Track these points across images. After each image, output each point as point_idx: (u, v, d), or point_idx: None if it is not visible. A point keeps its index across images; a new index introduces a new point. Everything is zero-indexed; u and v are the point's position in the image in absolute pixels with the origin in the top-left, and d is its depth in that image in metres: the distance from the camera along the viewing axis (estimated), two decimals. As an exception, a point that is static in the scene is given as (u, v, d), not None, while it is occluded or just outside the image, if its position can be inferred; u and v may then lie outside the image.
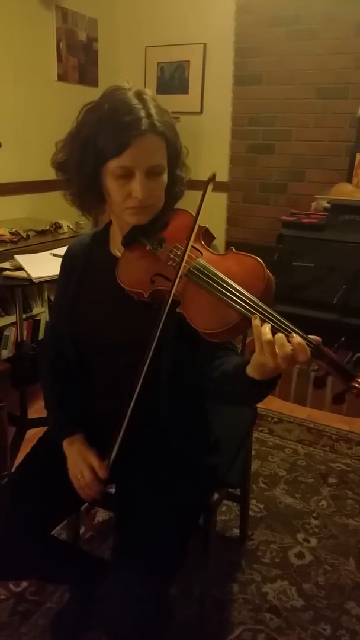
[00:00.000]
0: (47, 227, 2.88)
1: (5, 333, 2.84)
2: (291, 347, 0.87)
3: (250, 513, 1.89)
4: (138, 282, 1.07)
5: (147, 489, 1.16)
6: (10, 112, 3.00)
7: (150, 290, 1.05)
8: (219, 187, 3.54)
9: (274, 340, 0.88)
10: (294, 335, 0.89)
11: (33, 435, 2.19)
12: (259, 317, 0.90)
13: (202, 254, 1.05)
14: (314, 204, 3.06)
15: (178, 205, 1.17)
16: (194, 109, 3.64)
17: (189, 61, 3.59)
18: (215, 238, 1.12)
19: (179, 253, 1.04)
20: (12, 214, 3.08)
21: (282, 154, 3.44)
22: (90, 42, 3.53)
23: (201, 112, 3.65)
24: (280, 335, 0.88)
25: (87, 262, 1.23)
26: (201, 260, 1.02)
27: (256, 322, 0.90)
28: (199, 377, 1.13)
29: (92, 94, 1.11)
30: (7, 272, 2.07)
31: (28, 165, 3.06)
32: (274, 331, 0.89)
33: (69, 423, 1.23)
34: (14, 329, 2.82)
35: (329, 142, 3.27)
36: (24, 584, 1.63)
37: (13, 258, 2.17)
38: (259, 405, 1.77)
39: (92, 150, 1.04)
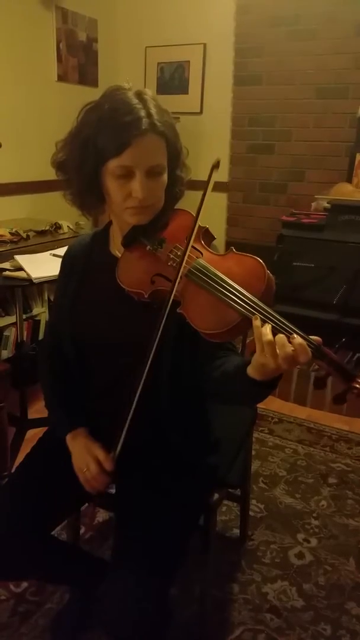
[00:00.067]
0: (47, 228, 2.88)
1: (5, 333, 2.84)
2: (292, 348, 0.87)
3: (251, 513, 1.89)
4: (138, 282, 1.07)
5: (147, 489, 1.16)
6: (10, 113, 3.00)
7: (150, 290, 1.05)
8: (219, 187, 3.54)
9: (274, 341, 0.88)
10: (295, 335, 0.89)
11: (33, 435, 2.19)
12: (260, 317, 0.90)
13: (202, 254, 1.05)
14: (314, 204, 3.06)
15: (178, 206, 1.17)
16: (193, 109, 3.64)
17: (189, 61, 3.59)
18: (215, 238, 1.12)
19: (179, 253, 1.04)
20: (12, 214, 3.08)
21: (282, 154, 3.44)
22: (90, 42, 3.53)
23: (201, 112, 3.65)
24: (281, 335, 0.88)
25: (87, 262, 1.23)
26: (201, 261, 1.02)
27: (257, 322, 0.90)
28: (199, 377, 1.13)
29: (92, 94, 1.11)
30: (7, 273, 2.07)
31: (28, 166, 3.06)
32: (274, 332, 0.89)
33: (71, 418, 1.23)
34: (14, 329, 2.82)
35: (329, 142, 3.27)
36: (24, 584, 1.63)
37: (13, 258, 2.17)
38: (259, 405, 1.76)
39: (92, 150, 1.04)
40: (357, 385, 0.92)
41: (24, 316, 2.80)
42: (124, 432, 1.06)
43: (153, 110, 1.03)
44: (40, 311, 3.02)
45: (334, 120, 3.22)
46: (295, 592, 1.64)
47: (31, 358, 2.31)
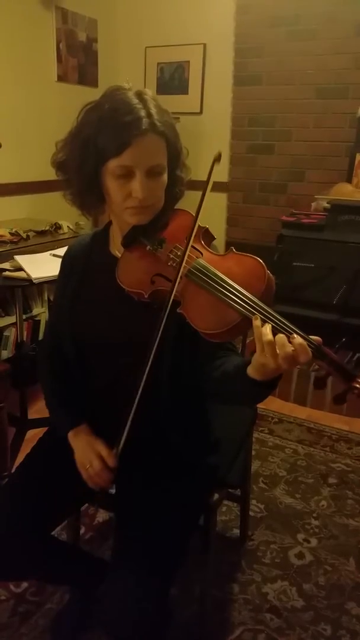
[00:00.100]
0: (47, 228, 2.88)
1: (5, 333, 2.84)
2: (292, 348, 0.87)
3: (251, 513, 1.89)
4: (138, 282, 1.07)
5: (147, 489, 1.16)
6: (10, 113, 3.01)
7: (150, 290, 1.05)
8: (219, 187, 3.54)
9: (274, 341, 0.88)
10: (295, 335, 0.88)
11: (33, 435, 2.19)
12: (260, 317, 0.90)
13: (202, 254, 1.05)
14: (313, 204, 3.06)
15: (178, 206, 1.17)
16: (193, 109, 3.64)
17: (188, 61, 3.59)
18: (215, 238, 1.12)
19: (179, 253, 1.04)
20: (12, 215, 3.08)
21: (282, 154, 3.44)
22: (90, 42, 3.54)
23: (201, 112, 3.65)
24: (281, 335, 0.88)
25: (87, 263, 1.23)
26: (201, 261, 1.02)
27: (257, 322, 0.90)
28: (199, 377, 1.13)
29: (91, 95, 1.11)
30: (7, 273, 2.07)
31: (28, 166, 3.07)
32: (274, 332, 0.89)
33: (72, 415, 1.23)
34: (14, 329, 2.82)
35: (329, 142, 3.27)
36: (24, 584, 1.63)
37: (13, 258, 2.17)
38: (259, 405, 1.76)
39: (93, 150, 1.04)
40: (357, 385, 0.91)
41: (24, 316, 2.80)
42: (127, 428, 1.06)
43: (153, 110, 1.03)
44: (40, 311, 3.02)
45: (334, 120, 3.22)
46: (296, 592, 1.64)
47: (31, 358, 2.31)
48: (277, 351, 0.87)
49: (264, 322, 0.90)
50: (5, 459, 1.94)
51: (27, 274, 2.03)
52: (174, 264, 1.03)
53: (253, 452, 2.06)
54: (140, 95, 1.05)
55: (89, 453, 1.14)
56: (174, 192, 1.14)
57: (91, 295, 1.20)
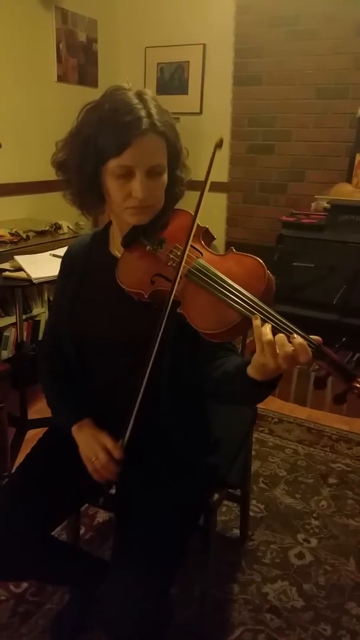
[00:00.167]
0: (47, 228, 2.88)
1: (5, 334, 2.84)
2: (292, 348, 0.87)
3: (251, 513, 1.89)
4: (138, 282, 1.07)
5: (147, 489, 1.16)
6: (10, 113, 3.01)
7: (150, 290, 1.05)
8: (219, 187, 3.54)
9: (274, 341, 0.88)
10: (295, 335, 0.88)
11: (33, 435, 2.19)
12: (260, 317, 0.90)
13: (202, 254, 1.05)
14: (313, 204, 3.06)
15: (178, 206, 1.17)
16: (193, 109, 3.64)
17: (188, 62, 3.59)
18: (215, 238, 1.12)
19: (179, 253, 1.04)
20: (12, 215, 3.08)
21: (282, 154, 3.44)
22: (90, 42, 3.54)
23: (201, 112, 3.65)
24: (281, 335, 0.88)
25: (86, 263, 1.23)
26: (201, 261, 1.02)
27: (257, 322, 0.90)
28: (199, 377, 1.13)
29: (91, 95, 1.11)
30: (7, 273, 2.07)
31: (28, 166, 3.07)
32: (274, 331, 0.89)
33: (75, 410, 1.22)
34: (14, 329, 2.82)
35: (328, 142, 3.27)
36: (24, 585, 1.63)
37: (13, 259, 2.17)
38: (259, 405, 1.76)
39: (93, 150, 1.04)
40: (358, 385, 0.91)
41: (24, 316, 2.80)
42: (132, 420, 1.06)
43: (153, 110, 1.03)
44: (40, 311, 3.02)
45: (334, 121, 3.22)
46: (296, 592, 1.63)
47: (31, 358, 2.31)
48: (277, 351, 0.87)
49: (264, 322, 0.90)
50: (5, 459, 1.94)
51: (27, 274, 2.03)
52: (174, 264, 1.03)
53: (253, 452, 2.06)
54: (140, 95, 1.05)
55: (94, 445, 1.13)
56: (174, 192, 1.14)
57: (91, 295, 1.20)
